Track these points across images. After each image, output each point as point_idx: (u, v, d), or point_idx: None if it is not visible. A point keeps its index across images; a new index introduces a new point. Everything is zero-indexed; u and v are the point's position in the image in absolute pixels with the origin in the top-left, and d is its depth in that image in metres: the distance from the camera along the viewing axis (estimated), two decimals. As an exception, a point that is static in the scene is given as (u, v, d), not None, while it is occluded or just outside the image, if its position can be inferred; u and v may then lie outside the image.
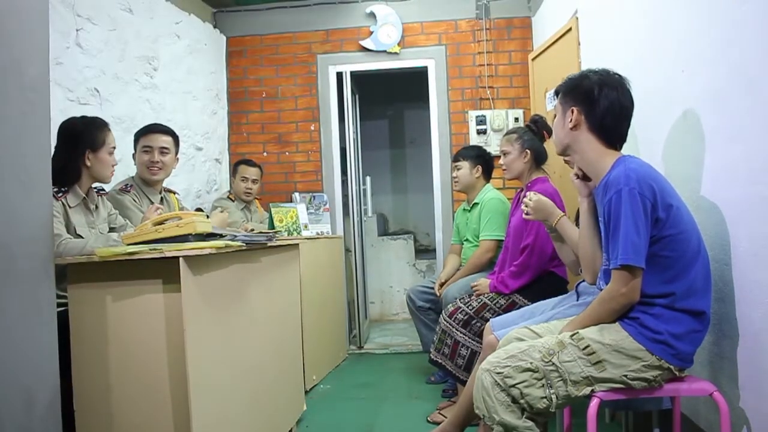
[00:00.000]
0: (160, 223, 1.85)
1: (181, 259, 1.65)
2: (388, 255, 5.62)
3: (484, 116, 4.20)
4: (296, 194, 4.03)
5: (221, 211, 3.09)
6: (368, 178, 4.76)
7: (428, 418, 2.74)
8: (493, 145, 4.05)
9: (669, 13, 2.07)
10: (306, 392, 3.17)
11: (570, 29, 3.23)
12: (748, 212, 1.62)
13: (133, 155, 2.78)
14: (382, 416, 2.87)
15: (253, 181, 3.75)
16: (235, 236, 1.95)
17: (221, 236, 1.91)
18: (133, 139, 2.79)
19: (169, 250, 1.66)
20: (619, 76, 1.73)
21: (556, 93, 1.84)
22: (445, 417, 2.51)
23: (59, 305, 1.81)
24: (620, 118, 1.71)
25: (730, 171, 1.71)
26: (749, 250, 1.63)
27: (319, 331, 3.54)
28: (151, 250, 1.68)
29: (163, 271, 1.68)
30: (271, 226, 3.35)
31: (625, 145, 2.42)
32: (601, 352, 1.57)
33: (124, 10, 3.21)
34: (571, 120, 1.73)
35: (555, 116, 1.83)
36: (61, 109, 2.69)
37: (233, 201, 3.68)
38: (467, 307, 2.68)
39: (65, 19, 2.75)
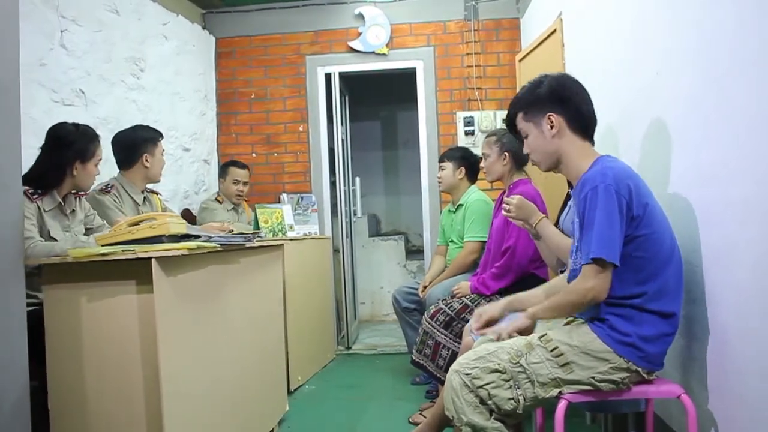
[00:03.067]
0: (135, 224, 1.86)
1: (153, 259, 1.66)
2: (378, 256, 5.63)
3: (472, 117, 4.21)
4: (284, 195, 4.04)
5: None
6: (357, 179, 4.76)
7: (409, 419, 2.75)
8: (480, 146, 4.04)
9: (647, 14, 2.07)
10: (290, 393, 3.18)
11: (555, 31, 3.24)
12: (718, 215, 1.63)
13: (146, 157, 2.70)
14: (364, 417, 2.88)
15: (244, 183, 3.79)
16: (211, 237, 1.95)
17: (196, 237, 1.91)
18: (143, 141, 2.71)
19: (141, 251, 1.67)
20: (560, 73, 1.79)
21: (510, 121, 1.82)
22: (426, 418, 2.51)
23: (35, 305, 1.83)
24: (590, 103, 1.75)
25: (701, 174, 1.71)
26: (718, 253, 1.64)
27: (305, 332, 3.54)
28: (123, 251, 1.69)
29: (137, 272, 1.69)
30: (257, 227, 3.36)
31: (605, 146, 2.44)
32: (569, 354, 1.57)
33: (110, 11, 3.22)
34: (552, 127, 1.71)
35: (526, 136, 1.79)
36: (45, 110, 2.69)
37: (221, 203, 3.68)
38: (449, 309, 2.69)
39: (49, 20, 2.75)
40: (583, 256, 1.57)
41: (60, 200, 2.17)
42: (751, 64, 1.44)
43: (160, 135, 2.80)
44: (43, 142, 2.21)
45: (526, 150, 1.81)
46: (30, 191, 2.04)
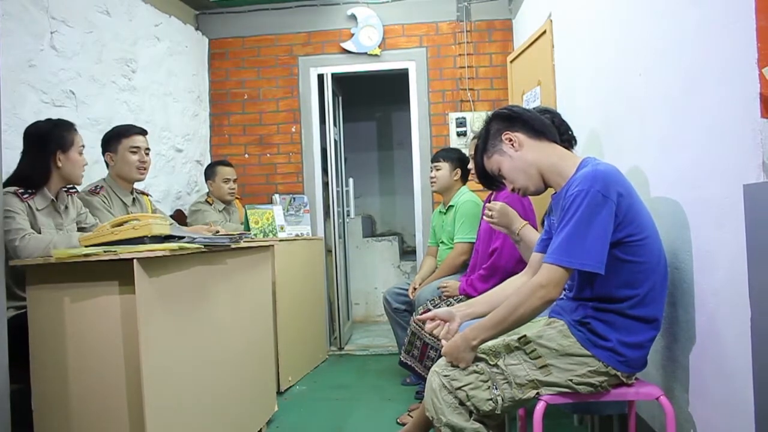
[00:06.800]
0: (118, 225, 1.86)
1: (135, 260, 1.66)
2: (372, 256, 5.63)
3: (464, 118, 4.21)
4: (276, 196, 4.04)
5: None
6: (351, 180, 4.77)
7: (398, 420, 2.75)
8: (469, 147, 4.05)
9: (632, 15, 2.08)
10: (280, 393, 3.19)
11: (545, 32, 3.24)
12: (696, 217, 1.64)
13: (110, 156, 2.71)
14: (353, 417, 2.88)
15: (234, 181, 3.79)
16: (194, 238, 1.95)
17: (180, 238, 1.92)
18: (107, 139, 2.73)
19: (123, 252, 1.68)
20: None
21: (483, 174, 1.83)
22: (413, 418, 2.51)
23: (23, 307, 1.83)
24: (537, 115, 1.74)
25: (680, 176, 1.72)
26: (696, 255, 1.65)
27: (296, 333, 3.54)
28: (106, 251, 1.69)
29: (119, 273, 1.69)
30: (247, 227, 3.36)
31: (590, 148, 2.45)
32: (548, 356, 1.57)
33: (101, 12, 3.22)
34: (513, 143, 1.69)
35: (498, 170, 1.74)
36: (35, 112, 2.69)
37: (211, 204, 3.68)
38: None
39: (38, 21, 2.75)
40: (547, 253, 1.55)
41: (52, 197, 2.18)
42: (730, 63, 1.44)
43: (125, 132, 2.73)
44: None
45: (508, 186, 1.76)
46: (20, 191, 2.05)
